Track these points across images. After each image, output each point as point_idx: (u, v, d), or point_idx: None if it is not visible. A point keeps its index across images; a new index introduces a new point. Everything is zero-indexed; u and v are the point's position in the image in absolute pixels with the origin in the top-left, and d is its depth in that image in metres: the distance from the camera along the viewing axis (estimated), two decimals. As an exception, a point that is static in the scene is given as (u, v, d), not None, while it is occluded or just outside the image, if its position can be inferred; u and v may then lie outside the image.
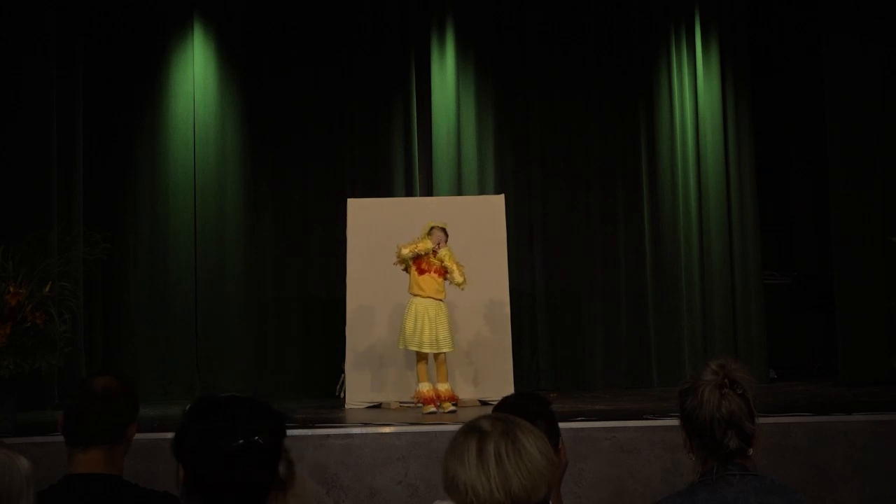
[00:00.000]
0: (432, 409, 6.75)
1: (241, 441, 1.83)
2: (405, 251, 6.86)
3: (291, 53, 9.25)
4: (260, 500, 1.86)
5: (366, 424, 6.00)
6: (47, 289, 6.26)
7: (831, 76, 8.63)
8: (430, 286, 6.91)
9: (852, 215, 8.42)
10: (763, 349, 9.11)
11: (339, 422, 6.37)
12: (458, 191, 9.12)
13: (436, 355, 6.91)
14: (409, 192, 9.17)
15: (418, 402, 6.86)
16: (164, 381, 8.72)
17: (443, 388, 6.87)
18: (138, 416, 2.64)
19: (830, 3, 8.67)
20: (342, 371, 7.90)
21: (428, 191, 9.19)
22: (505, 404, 2.60)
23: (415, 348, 6.88)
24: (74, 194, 8.33)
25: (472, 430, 1.76)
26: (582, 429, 5.52)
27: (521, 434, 1.73)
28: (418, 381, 6.92)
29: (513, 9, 9.43)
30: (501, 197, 8.18)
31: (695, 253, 9.26)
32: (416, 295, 6.92)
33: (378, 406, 7.47)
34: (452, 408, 6.81)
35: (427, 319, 6.83)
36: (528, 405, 2.51)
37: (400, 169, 9.25)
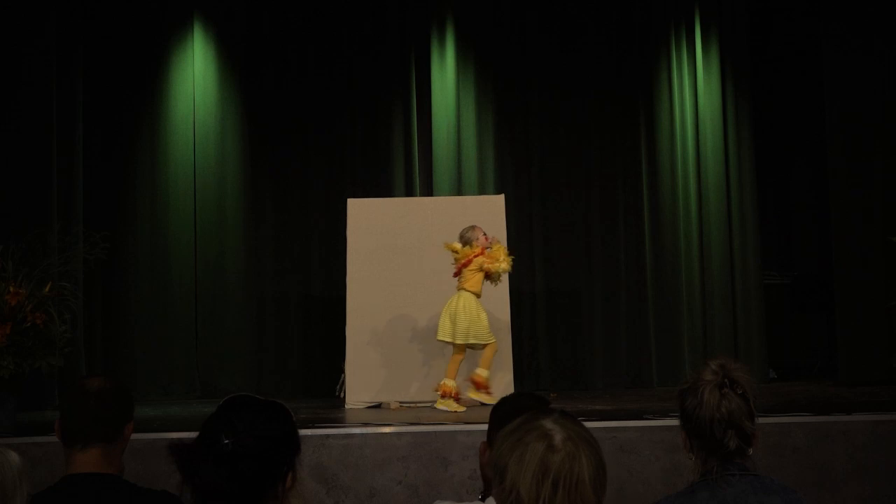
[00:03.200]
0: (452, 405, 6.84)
1: (226, 442, 1.82)
2: (499, 268, 7.02)
3: (291, 53, 9.25)
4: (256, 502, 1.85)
5: (366, 424, 5.99)
6: (47, 289, 6.25)
7: (831, 76, 8.63)
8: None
9: (852, 215, 8.42)
10: (763, 349, 9.11)
11: (339, 422, 6.37)
12: (458, 191, 9.12)
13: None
14: (409, 192, 9.17)
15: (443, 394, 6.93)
16: (164, 381, 8.72)
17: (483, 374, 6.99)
18: (133, 415, 2.66)
19: (831, 3, 8.67)
20: (342, 371, 7.91)
21: (428, 191, 9.19)
22: (504, 404, 2.59)
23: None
24: (74, 194, 8.34)
25: (542, 435, 1.71)
26: (582, 429, 5.51)
27: (586, 462, 1.70)
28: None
29: (513, 9, 9.43)
30: (501, 197, 8.17)
31: (695, 253, 9.26)
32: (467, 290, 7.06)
33: (378, 406, 7.47)
34: (489, 399, 6.85)
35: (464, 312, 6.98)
36: (529, 404, 2.50)
37: (400, 169, 9.25)
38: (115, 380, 2.70)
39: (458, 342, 6.92)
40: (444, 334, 6.96)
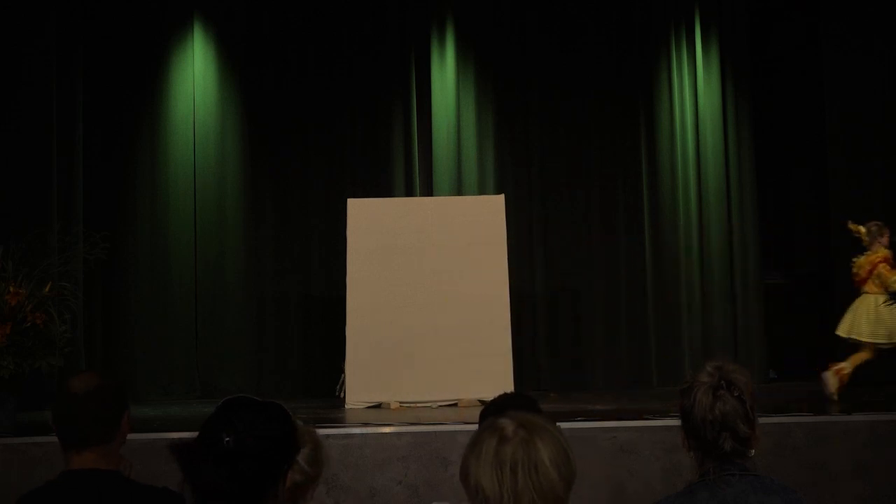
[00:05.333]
0: None
1: (227, 440, 1.83)
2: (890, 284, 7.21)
3: (291, 53, 9.26)
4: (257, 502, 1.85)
5: (366, 424, 5.99)
6: (47, 289, 6.25)
7: (831, 76, 8.64)
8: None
9: (852, 215, 8.42)
10: (763, 349, 9.11)
11: (339, 422, 6.38)
12: (458, 191, 9.12)
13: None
14: (409, 192, 9.17)
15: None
16: (164, 381, 8.72)
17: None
18: (127, 407, 2.60)
19: (831, 3, 8.67)
20: (342, 371, 7.91)
21: (428, 191, 9.20)
22: (491, 406, 2.56)
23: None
24: (74, 194, 8.34)
25: (494, 429, 1.74)
26: (582, 429, 5.52)
27: (542, 445, 1.71)
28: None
29: (513, 9, 9.43)
30: (501, 197, 8.17)
31: (695, 253, 9.26)
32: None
33: (378, 406, 7.47)
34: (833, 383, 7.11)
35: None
36: (516, 404, 2.47)
37: (400, 169, 9.25)
38: (101, 377, 2.60)
39: (864, 340, 7.26)
40: (846, 331, 7.34)
